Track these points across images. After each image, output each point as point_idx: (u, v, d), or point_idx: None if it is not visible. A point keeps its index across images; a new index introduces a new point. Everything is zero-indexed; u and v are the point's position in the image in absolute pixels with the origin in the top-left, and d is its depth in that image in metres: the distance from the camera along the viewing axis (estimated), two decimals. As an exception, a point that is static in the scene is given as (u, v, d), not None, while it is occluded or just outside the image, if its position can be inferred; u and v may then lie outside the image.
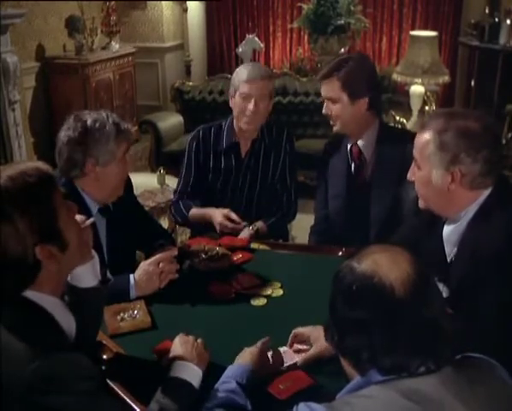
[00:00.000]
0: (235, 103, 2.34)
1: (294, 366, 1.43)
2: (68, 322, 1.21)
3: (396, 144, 2.13)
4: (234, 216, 2.26)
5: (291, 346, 1.50)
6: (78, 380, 1.07)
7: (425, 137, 1.51)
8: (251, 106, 2.28)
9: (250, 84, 2.28)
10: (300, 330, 1.51)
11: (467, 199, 1.51)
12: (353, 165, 2.27)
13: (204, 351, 1.40)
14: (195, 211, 2.40)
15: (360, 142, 2.23)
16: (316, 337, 1.45)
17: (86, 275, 1.36)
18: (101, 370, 1.38)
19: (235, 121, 2.38)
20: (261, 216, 2.42)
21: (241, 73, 2.32)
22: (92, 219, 1.35)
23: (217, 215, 2.27)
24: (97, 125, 1.76)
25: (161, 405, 1.23)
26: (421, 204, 1.63)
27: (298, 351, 1.48)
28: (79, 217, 1.27)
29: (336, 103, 2.16)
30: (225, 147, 2.41)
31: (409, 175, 1.62)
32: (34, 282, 1.15)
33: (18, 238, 1.10)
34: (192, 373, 1.33)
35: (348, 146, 2.27)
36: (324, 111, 2.23)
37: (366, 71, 2.20)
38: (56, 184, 1.20)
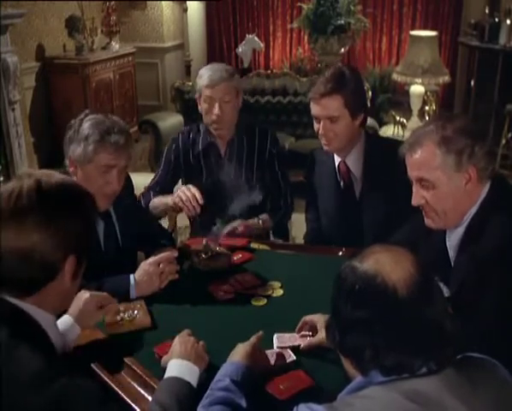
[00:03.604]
0: (201, 107, 2.36)
1: (286, 366, 1.42)
2: (58, 340, 1.23)
3: (384, 155, 2.01)
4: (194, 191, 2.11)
5: (299, 331, 1.53)
6: (84, 405, 1.06)
7: (427, 152, 1.48)
8: (216, 110, 2.29)
9: (212, 88, 2.29)
10: (308, 317, 1.53)
11: (478, 194, 1.50)
12: (342, 183, 2.19)
13: (203, 353, 1.39)
14: (155, 200, 2.33)
15: (348, 160, 2.14)
16: (323, 324, 1.44)
17: None
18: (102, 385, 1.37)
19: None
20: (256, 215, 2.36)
21: (203, 77, 2.33)
22: None
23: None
24: (85, 124, 1.78)
25: (161, 405, 1.22)
26: (437, 223, 1.56)
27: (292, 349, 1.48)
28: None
29: (336, 121, 2.01)
30: (202, 148, 2.41)
31: (417, 201, 1.54)
32: (40, 294, 1.14)
33: (56, 241, 1.11)
34: (189, 372, 1.32)
35: (336, 163, 2.18)
36: (321, 132, 2.05)
37: (361, 85, 2.13)
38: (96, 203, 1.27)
